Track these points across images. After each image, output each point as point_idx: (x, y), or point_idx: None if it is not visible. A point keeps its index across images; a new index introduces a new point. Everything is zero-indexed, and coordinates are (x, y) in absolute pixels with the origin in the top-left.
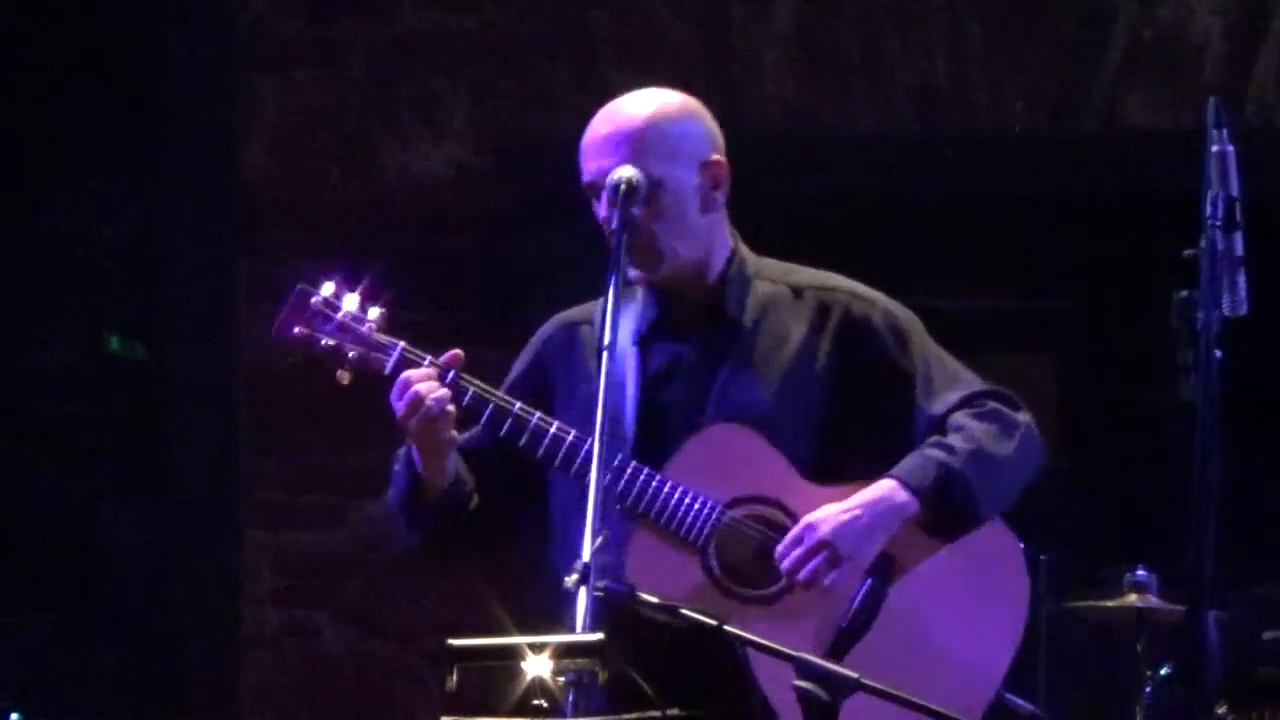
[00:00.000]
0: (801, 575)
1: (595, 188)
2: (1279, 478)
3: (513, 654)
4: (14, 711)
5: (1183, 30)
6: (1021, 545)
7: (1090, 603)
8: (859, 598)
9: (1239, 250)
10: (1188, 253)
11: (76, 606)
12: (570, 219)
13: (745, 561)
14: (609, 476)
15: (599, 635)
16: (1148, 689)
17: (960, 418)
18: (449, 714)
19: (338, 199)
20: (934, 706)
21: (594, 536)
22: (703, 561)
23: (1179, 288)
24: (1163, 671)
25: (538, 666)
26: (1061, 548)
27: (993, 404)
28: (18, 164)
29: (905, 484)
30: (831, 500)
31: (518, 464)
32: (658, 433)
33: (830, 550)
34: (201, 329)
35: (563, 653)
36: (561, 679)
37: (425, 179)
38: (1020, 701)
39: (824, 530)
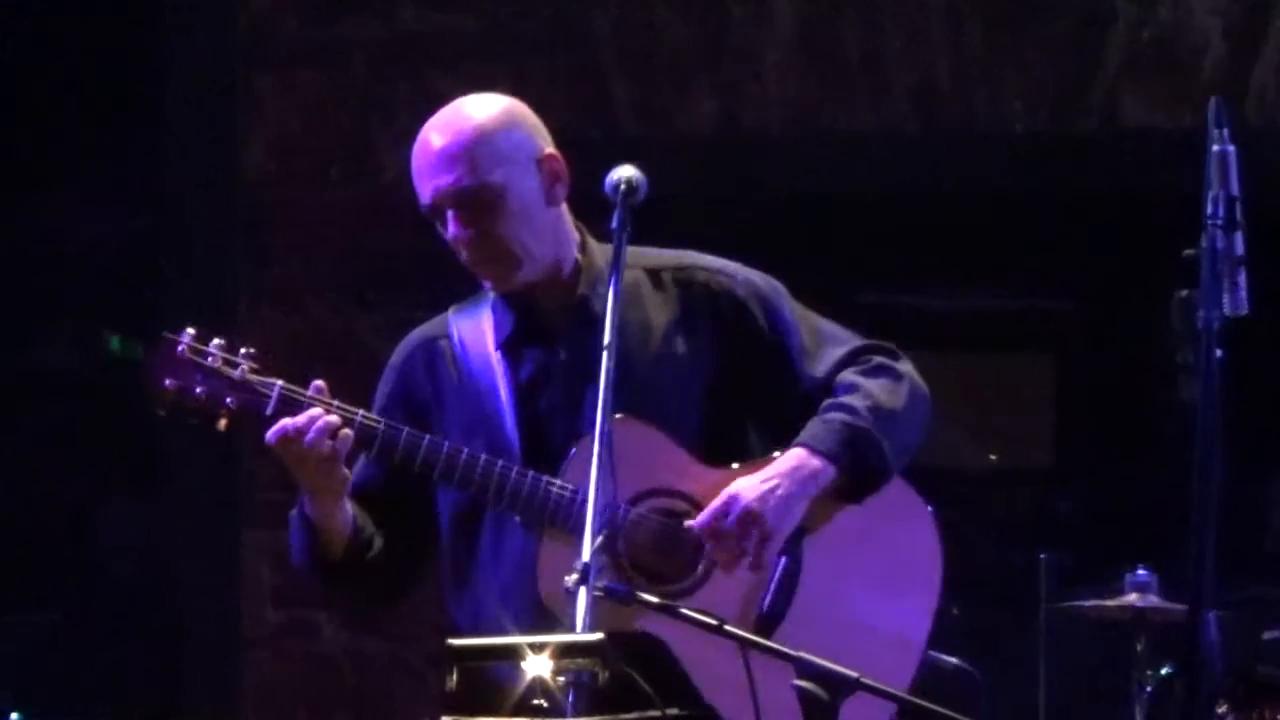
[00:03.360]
0: (733, 549)
1: (439, 209)
2: (1279, 478)
3: (513, 654)
4: (14, 711)
5: (1183, 30)
6: (930, 507)
7: (1090, 603)
8: (775, 578)
9: (1239, 250)
10: (1188, 252)
11: (76, 606)
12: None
13: (656, 557)
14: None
15: (599, 635)
16: (1148, 689)
17: (849, 376)
18: (449, 714)
19: (338, 199)
20: (931, 706)
21: (594, 536)
22: (613, 562)
23: (1179, 287)
24: (1163, 671)
25: (538, 666)
26: (1061, 548)
27: (877, 358)
28: (18, 164)
29: (815, 450)
30: (732, 482)
31: (411, 493)
32: (541, 441)
33: (757, 521)
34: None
35: (563, 653)
36: (561, 679)
37: None
38: (948, 658)
39: (748, 499)
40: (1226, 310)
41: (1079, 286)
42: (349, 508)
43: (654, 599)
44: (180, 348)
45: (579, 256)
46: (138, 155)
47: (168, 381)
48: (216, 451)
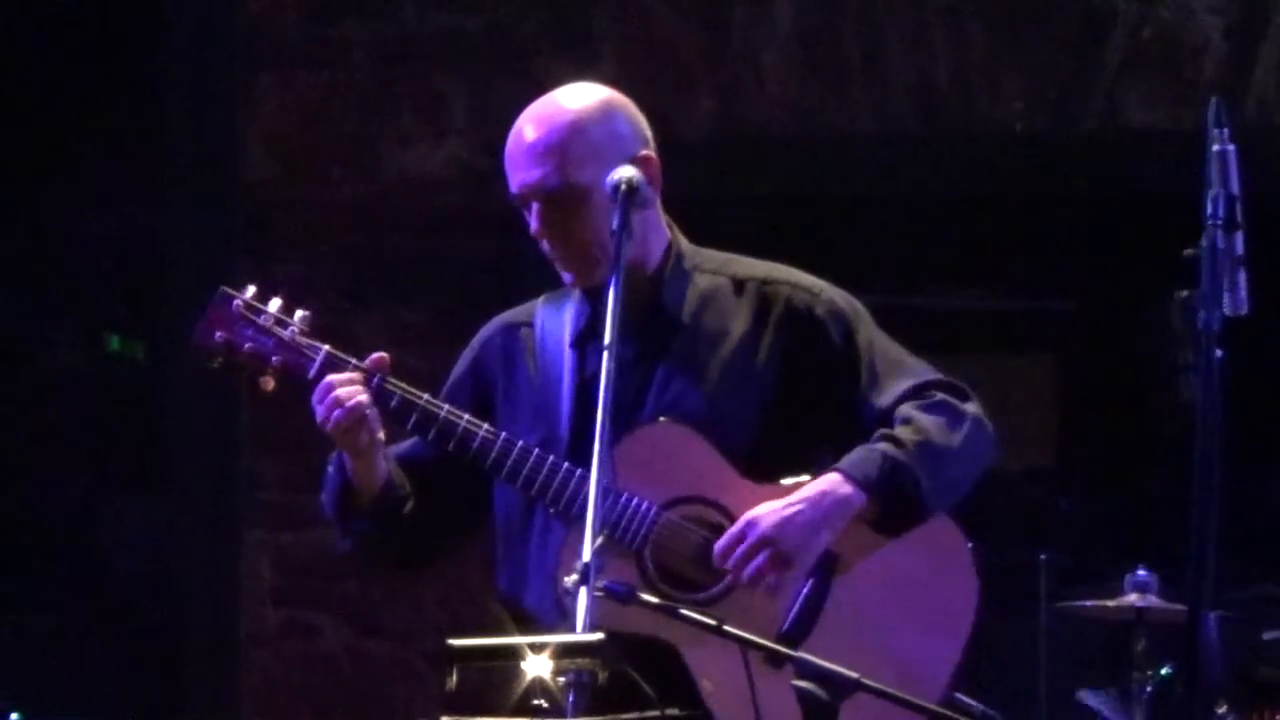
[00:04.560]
0: (745, 575)
1: (524, 201)
2: (1279, 478)
3: (513, 654)
4: (14, 711)
5: (1183, 30)
6: (970, 544)
7: (1090, 603)
8: (800, 599)
9: (1239, 249)
10: (1188, 252)
11: (76, 606)
12: None
13: (682, 564)
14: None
15: (599, 635)
16: (1148, 689)
17: (907, 409)
18: (449, 714)
19: (338, 199)
20: (931, 706)
21: (594, 536)
22: (638, 565)
23: (1179, 287)
24: (1163, 671)
25: (538, 666)
26: (1061, 548)
27: (941, 395)
28: (18, 163)
29: (850, 477)
30: (770, 498)
31: (459, 473)
32: (592, 436)
33: (773, 548)
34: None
35: (563, 653)
36: (561, 679)
37: (425, 179)
38: (971, 702)
39: (765, 526)
40: (1226, 310)
41: (1079, 286)
42: (384, 465)
43: (653, 599)
44: (236, 303)
45: (664, 258)
46: (138, 155)
47: (218, 334)
48: (217, 451)
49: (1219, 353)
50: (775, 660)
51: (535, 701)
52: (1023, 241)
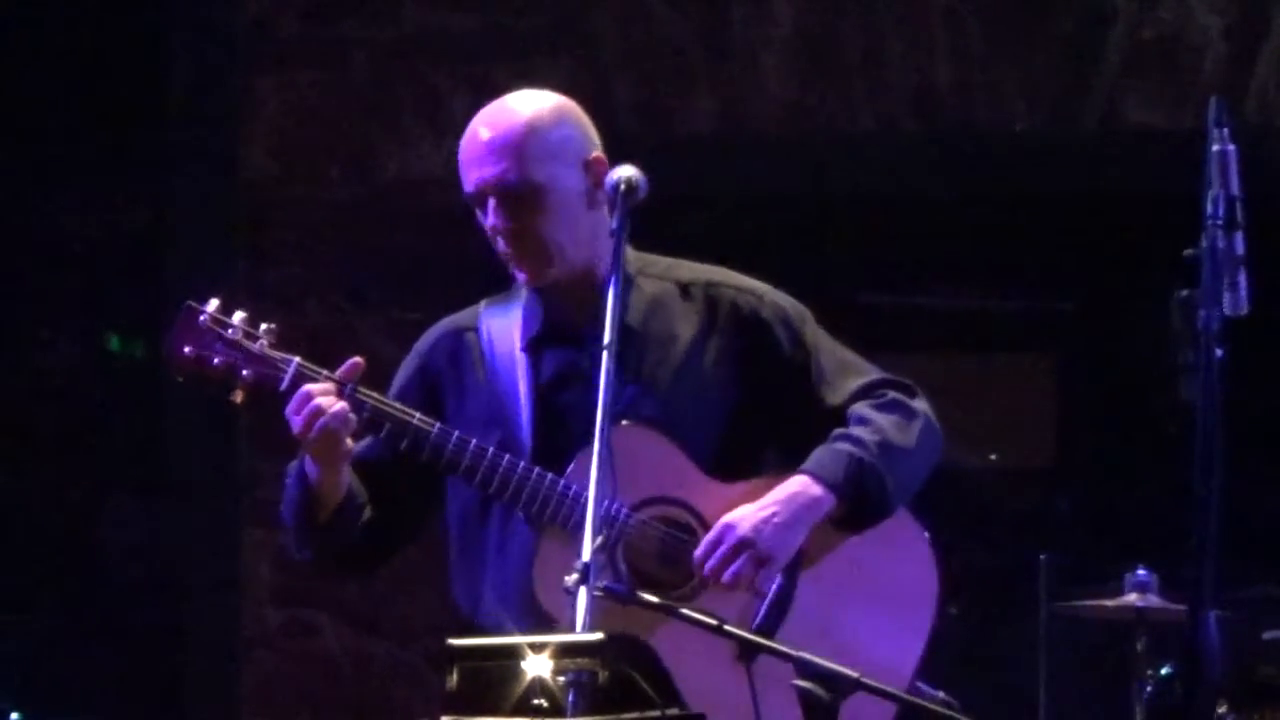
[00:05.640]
0: (726, 578)
1: (480, 197)
2: (1279, 478)
3: (513, 654)
4: (14, 711)
5: (1183, 30)
6: (928, 535)
7: (1090, 603)
8: (768, 598)
9: (1240, 249)
10: (1188, 252)
11: (76, 606)
12: None
13: (653, 564)
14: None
15: (599, 635)
16: (1148, 689)
17: (861, 409)
18: (449, 714)
19: (338, 199)
20: (924, 702)
21: (594, 536)
22: (610, 566)
23: (1179, 287)
24: (1163, 671)
25: (538, 666)
26: (1061, 548)
27: (892, 393)
28: (19, 163)
29: (818, 478)
30: (737, 498)
31: (413, 474)
32: (555, 440)
33: (752, 550)
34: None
35: (563, 653)
36: (561, 679)
37: (425, 179)
38: (932, 690)
39: (744, 530)
40: (1226, 310)
41: (1079, 286)
42: (346, 475)
43: (654, 599)
44: (202, 317)
45: None
46: (138, 155)
47: (187, 349)
48: (217, 451)
49: (1219, 353)
50: (744, 656)
51: (535, 701)
52: (1023, 241)
